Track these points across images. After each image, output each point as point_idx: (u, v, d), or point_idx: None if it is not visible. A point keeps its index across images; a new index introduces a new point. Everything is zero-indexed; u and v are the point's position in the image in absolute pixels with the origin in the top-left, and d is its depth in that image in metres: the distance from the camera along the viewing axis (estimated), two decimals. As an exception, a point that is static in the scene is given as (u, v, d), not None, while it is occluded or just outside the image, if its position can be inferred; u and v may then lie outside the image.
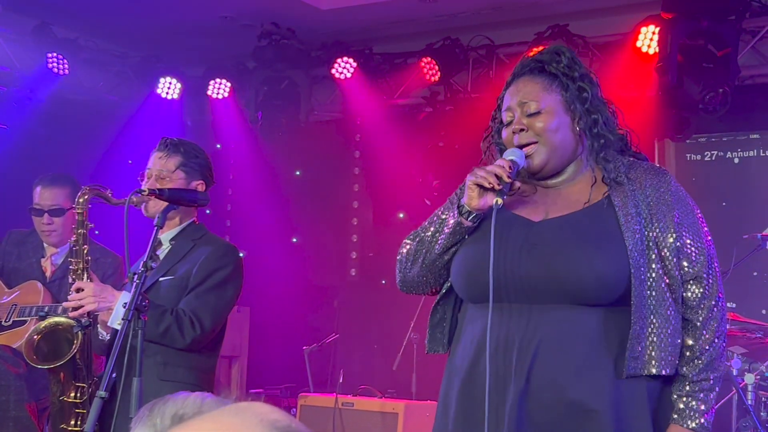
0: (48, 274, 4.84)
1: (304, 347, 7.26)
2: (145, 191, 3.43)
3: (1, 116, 7.23)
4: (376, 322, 7.89)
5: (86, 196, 3.60)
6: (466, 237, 2.71)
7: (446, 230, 2.69)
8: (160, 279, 3.65)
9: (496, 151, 2.79)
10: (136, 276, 3.08)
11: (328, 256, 8.55)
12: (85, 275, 3.64)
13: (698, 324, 2.61)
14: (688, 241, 2.61)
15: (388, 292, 7.64)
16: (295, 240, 8.54)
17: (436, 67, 7.25)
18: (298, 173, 8.60)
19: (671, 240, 2.60)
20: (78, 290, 3.56)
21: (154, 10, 7.15)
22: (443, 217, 2.74)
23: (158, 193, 3.41)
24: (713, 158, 6.97)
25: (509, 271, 2.58)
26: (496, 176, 2.55)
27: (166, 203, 3.41)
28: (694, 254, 2.61)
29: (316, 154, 8.41)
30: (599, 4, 6.74)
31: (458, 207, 2.67)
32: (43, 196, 4.81)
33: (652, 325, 2.56)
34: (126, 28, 7.56)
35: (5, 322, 4.69)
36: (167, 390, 3.38)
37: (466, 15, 7.07)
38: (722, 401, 5.88)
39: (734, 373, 5.66)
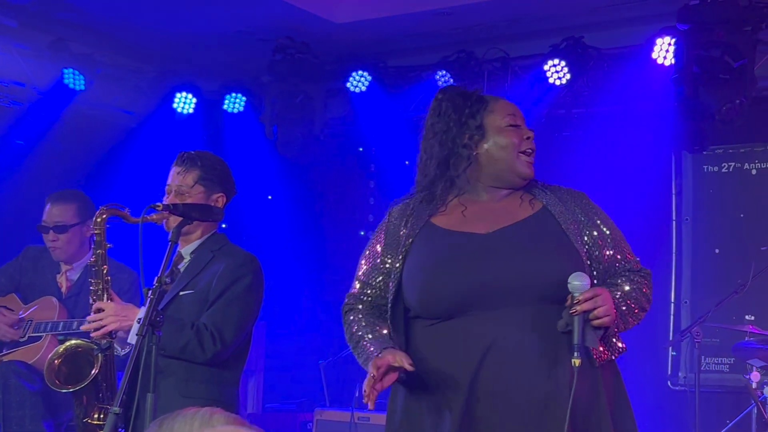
0: (63, 289, 4.85)
1: (320, 361, 7.24)
2: (159, 207, 3.42)
3: (17, 131, 7.26)
4: (392, 335, 7.84)
5: (104, 216, 3.58)
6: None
7: (366, 350, 2.90)
8: (181, 293, 3.62)
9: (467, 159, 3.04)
10: (150, 291, 3.07)
11: (343, 270, 8.53)
12: (105, 295, 3.62)
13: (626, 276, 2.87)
14: (606, 231, 2.88)
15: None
16: (310, 254, 8.53)
17: (451, 80, 7.23)
18: (313, 187, 8.59)
19: (596, 234, 2.86)
20: (98, 311, 3.55)
21: (169, 25, 7.17)
22: (366, 337, 2.95)
23: (172, 209, 3.40)
24: (730, 170, 6.93)
25: (471, 281, 2.70)
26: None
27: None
28: (616, 248, 2.88)
29: (331, 168, 8.41)
30: (614, 16, 6.71)
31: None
32: (50, 213, 4.81)
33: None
34: (141, 43, 7.58)
35: (21, 337, 4.70)
36: (189, 406, 3.38)
37: (481, 28, 7.05)
38: (741, 415, 5.83)
39: (753, 386, 5.61)
